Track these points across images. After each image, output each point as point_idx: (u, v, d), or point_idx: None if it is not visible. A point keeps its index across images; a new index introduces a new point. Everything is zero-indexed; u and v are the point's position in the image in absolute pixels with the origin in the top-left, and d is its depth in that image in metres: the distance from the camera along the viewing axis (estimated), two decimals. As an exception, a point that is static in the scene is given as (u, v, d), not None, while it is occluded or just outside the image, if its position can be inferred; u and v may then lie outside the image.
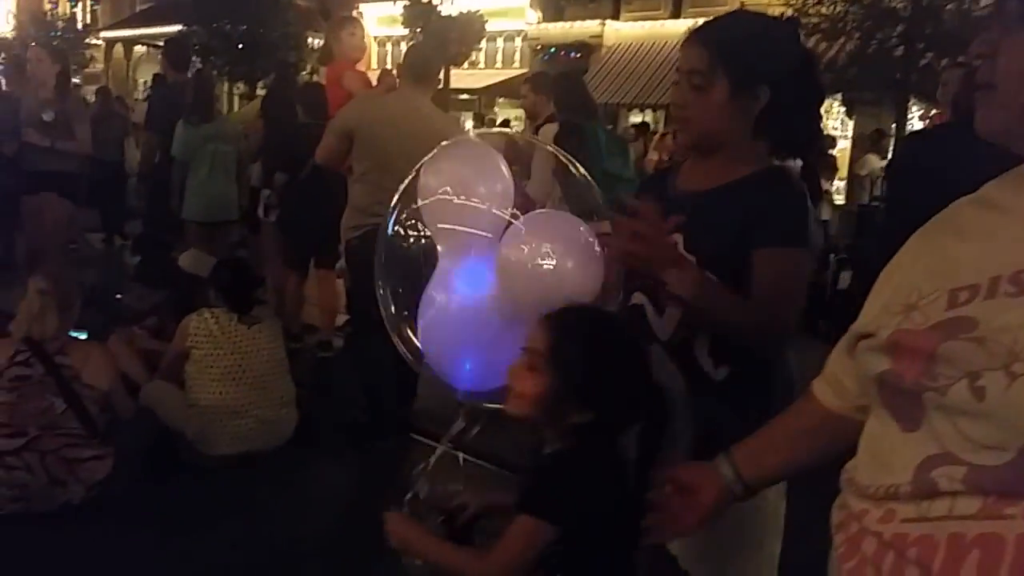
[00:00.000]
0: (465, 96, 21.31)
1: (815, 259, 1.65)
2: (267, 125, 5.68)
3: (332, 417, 4.23)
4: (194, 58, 17.76)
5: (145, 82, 20.81)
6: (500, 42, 23.00)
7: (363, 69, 5.70)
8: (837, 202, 11.81)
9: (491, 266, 1.54)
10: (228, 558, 2.88)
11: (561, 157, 1.69)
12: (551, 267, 1.48)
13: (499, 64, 22.44)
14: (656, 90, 17.50)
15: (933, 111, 4.84)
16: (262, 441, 3.68)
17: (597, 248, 1.52)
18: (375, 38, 23.89)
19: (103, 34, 26.79)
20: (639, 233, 1.45)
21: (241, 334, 3.68)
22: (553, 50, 20.79)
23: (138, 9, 26.53)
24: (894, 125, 13.63)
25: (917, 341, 0.92)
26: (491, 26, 20.45)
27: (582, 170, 1.65)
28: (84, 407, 3.17)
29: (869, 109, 15.82)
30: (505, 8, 21.46)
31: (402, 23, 20.41)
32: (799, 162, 1.77)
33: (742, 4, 11.78)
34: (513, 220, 1.55)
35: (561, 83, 4.75)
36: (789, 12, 11.45)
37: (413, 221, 1.62)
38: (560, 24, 21.19)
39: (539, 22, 21.81)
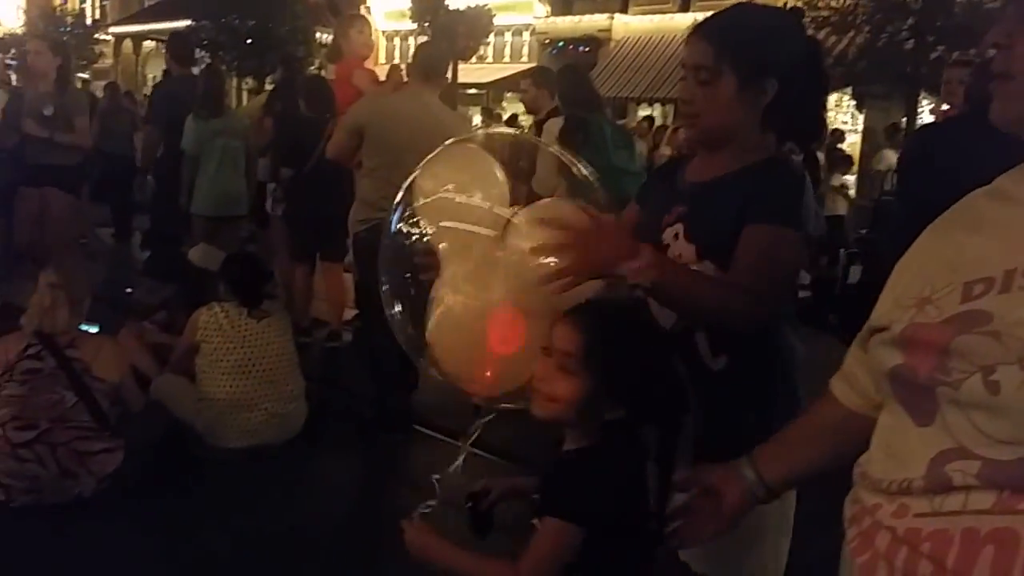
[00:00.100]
0: (473, 90, 21.30)
1: (808, 243, 1.60)
2: (274, 120, 5.69)
3: (340, 410, 4.24)
4: (203, 53, 17.90)
5: (154, 77, 20.83)
6: (508, 36, 22.98)
7: (371, 64, 5.71)
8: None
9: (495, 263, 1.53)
10: (237, 550, 2.89)
11: (564, 158, 1.68)
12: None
13: (507, 58, 22.44)
14: (665, 84, 17.46)
15: (944, 105, 4.76)
16: (272, 435, 3.69)
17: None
18: (383, 33, 23.91)
19: (112, 29, 26.85)
20: (570, 245, 1.39)
21: (251, 328, 3.69)
22: (561, 44, 20.76)
23: (147, 4, 26.56)
24: (904, 119, 13.56)
25: (930, 335, 0.91)
26: (499, 20, 20.43)
27: (584, 171, 1.64)
28: (95, 400, 3.19)
29: (879, 103, 15.74)
30: (513, 2, 21.44)
31: (410, 17, 20.41)
32: (800, 158, 1.76)
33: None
34: (513, 218, 1.53)
35: (566, 77, 4.71)
36: (799, 3, 11.38)
37: (416, 219, 1.61)
38: (568, 18, 21.15)
39: (547, 16, 21.78)
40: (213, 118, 5.58)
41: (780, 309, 1.59)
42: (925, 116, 13.64)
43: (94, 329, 3.70)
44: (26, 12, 28.21)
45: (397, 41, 24.73)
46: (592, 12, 20.70)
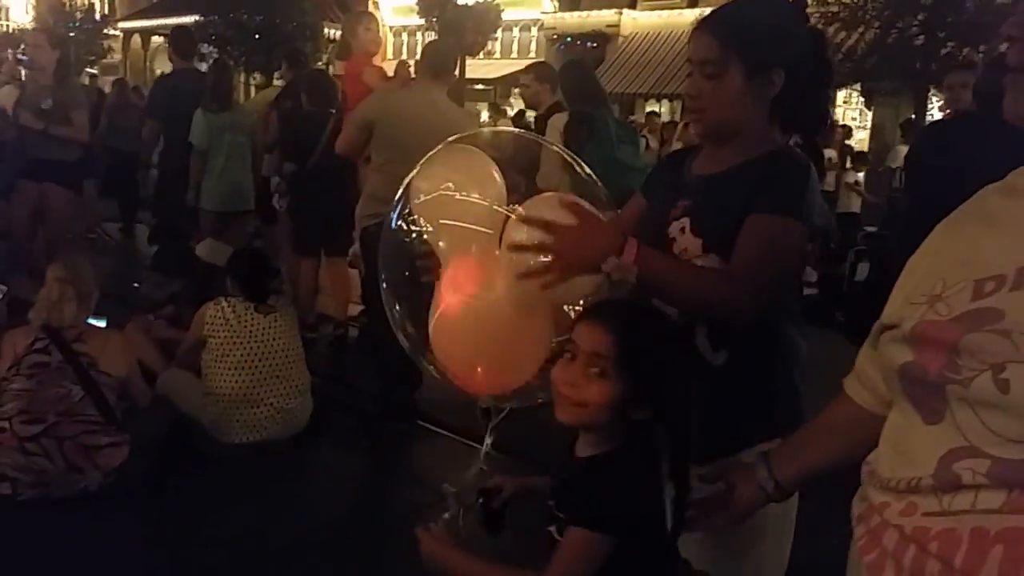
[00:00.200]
0: (481, 86, 21.28)
1: (812, 235, 1.58)
2: (279, 115, 5.69)
3: (346, 406, 4.25)
4: (211, 48, 17.91)
5: (163, 72, 20.89)
6: (516, 32, 22.94)
7: (379, 60, 5.72)
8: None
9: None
10: (243, 545, 2.90)
11: (567, 156, 1.67)
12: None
13: (515, 54, 22.38)
14: (673, 80, 17.40)
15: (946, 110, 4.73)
16: (278, 430, 3.70)
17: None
18: (391, 28, 23.91)
19: (121, 24, 26.91)
20: (550, 246, 1.38)
21: (257, 323, 3.69)
22: (569, 40, 20.71)
23: (156, 0, 26.63)
24: (913, 116, 13.48)
25: (940, 332, 0.90)
26: (507, 15, 20.39)
27: (587, 169, 1.64)
28: (101, 394, 3.19)
29: (888, 100, 15.66)
30: (521, -3, 21.40)
31: (417, 13, 20.38)
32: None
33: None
34: (512, 215, 1.53)
35: (571, 72, 4.68)
36: (809, -1, 11.31)
37: (415, 217, 1.61)
38: (576, 13, 21.10)
39: (555, 11, 21.73)
40: (222, 111, 5.58)
41: (780, 301, 1.58)
42: (935, 113, 13.57)
43: (101, 323, 3.71)
44: (35, 7, 28.29)
45: (405, 37, 24.73)
46: (600, 8, 20.64)
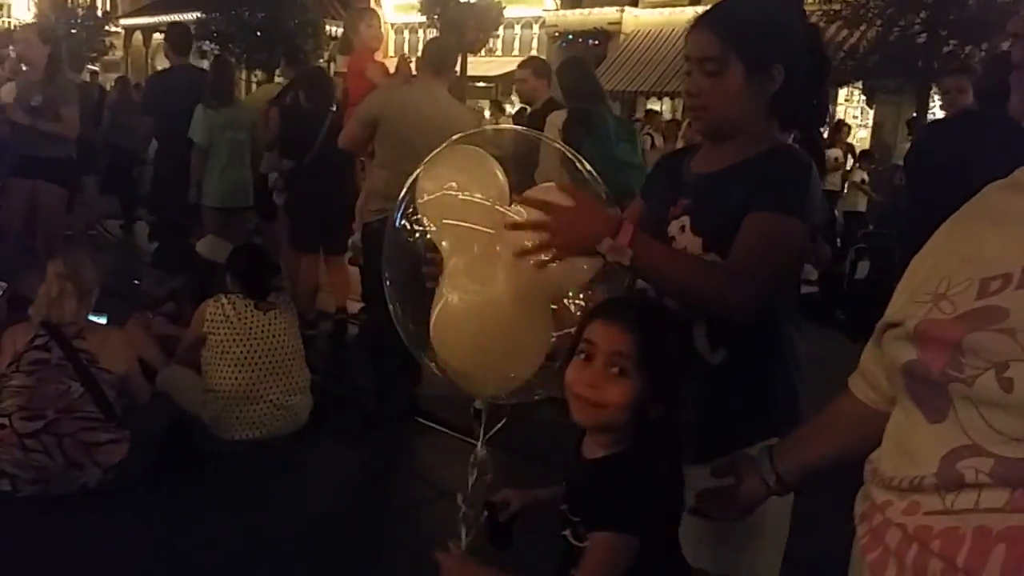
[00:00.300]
0: (482, 84, 21.27)
1: (811, 233, 1.57)
2: (280, 112, 5.69)
3: (345, 402, 4.25)
4: (212, 45, 17.90)
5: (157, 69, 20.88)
6: (517, 29, 22.93)
7: (380, 57, 5.72)
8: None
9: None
10: (242, 541, 2.90)
11: (567, 153, 1.66)
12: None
13: (516, 51, 22.33)
14: (675, 78, 17.37)
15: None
16: (278, 426, 3.70)
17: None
18: (392, 25, 23.90)
19: (123, 21, 26.92)
20: (547, 225, 1.39)
21: (257, 320, 3.69)
22: (571, 37, 20.68)
23: (157, -4, 26.64)
24: (915, 114, 13.47)
25: (944, 331, 0.90)
26: (508, 13, 20.38)
27: (587, 166, 1.63)
28: (101, 391, 3.19)
29: (890, 98, 15.64)
30: (523, -5, 21.38)
31: (419, 10, 20.38)
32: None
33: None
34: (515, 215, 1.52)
35: (570, 69, 4.67)
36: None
37: (419, 216, 1.60)
38: (578, 11, 21.07)
39: (557, 9, 21.70)
40: (223, 108, 5.57)
41: (777, 298, 1.57)
42: (936, 111, 13.55)
43: (102, 320, 3.72)
44: (37, 4, 28.26)
45: (407, 34, 24.71)
46: (602, 5, 20.62)
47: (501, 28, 21.00)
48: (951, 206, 1.04)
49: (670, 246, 1.59)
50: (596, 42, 20.38)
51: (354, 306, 5.49)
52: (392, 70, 5.47)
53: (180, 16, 18.01)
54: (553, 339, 1.56)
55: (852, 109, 18.26)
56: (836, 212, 9.87)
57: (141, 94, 6.73)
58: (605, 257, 1.40)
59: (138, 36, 26.14)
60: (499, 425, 1.58)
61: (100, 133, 8.61)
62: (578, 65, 4.79)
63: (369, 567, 2.90)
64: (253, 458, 3.55)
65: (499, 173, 1.56)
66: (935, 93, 13.46)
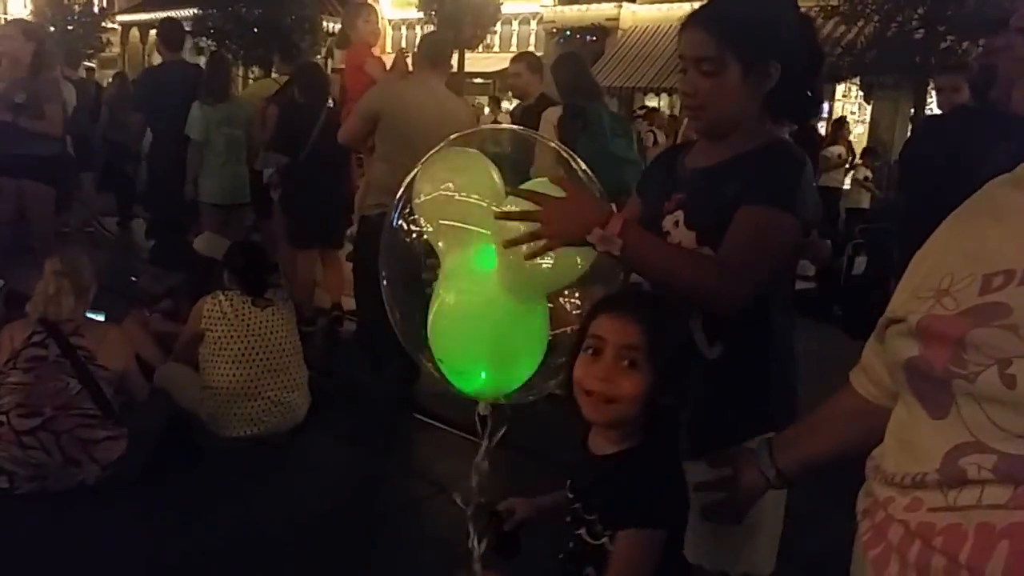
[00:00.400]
0: (480, 80, 21.25)
1: (804, 229, 1.57)
2: (279, 108, 5.68)
3: (343, 399, 4.24)
4: (209, 41, 17.84)
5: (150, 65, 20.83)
6: (515, 25, 22.91)
7: (377, 52, 5.72)
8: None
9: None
10: (239, 538, 2.89)
11: (563, 152, 1.66)
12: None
13: (514, 47, 22.31)
14: (673, 74, 17.34)
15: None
16: (275, 423, 3.69)
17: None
18: (390, 22, 23.86)
19: (119, 18, 26.85)
20: (537, 215, 1.39)
21: (254, 317, 3.69)
22: (568, 33, 20.67)
23: (154, -8, 26.57)
24: (912, 110, 13.48)
25: (946, 327, 0.89)
26: (506, 9, 20.35)
27: (583, 165, 1.63)
28: (99, 388, 3.19)
29: (888, 93, 15.65)
30: (520, -10, 21.35)
31: (416, 6, 20.34)
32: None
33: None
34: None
35: (565, 65, 4.65)
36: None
37: (416, 216, 1.60)
38: (576, 7, 21.05)
39: (554, 5, 21.67)
40: (219, 103, 5.56)
41: (771, 293, 1.57)
42: (934, 107, 13.55)
43: (99, 317, 3.70)
44: (33, 1, 28.16)
45: (404, 30, 24.68)
46: (599, 1, 20.61)
47: (499, 24, 20.96)
48: (946, 201, 1.04)
49: (661, 238, 1.59)
50: (594, 38, 20.37)
51: (350, 302, 5.48)
52: (389, 66, 5.47)
53: (176, 12, 17.96)
54: (551, 337, 1.56)
55: (849, 105, 18.26)
56: (840, 209, 9.86)
57: (134, 90, 6.68)
58: (596, 248, 1.40)
59: (135, 32, 26.06)
60: (502, 432, 1.58)
61: (98, 129, 8.59)
62: (574, 61, 4.78)
63: (367, 562, 2.90)
64: (251, 454, 3.55)
65: (494, 173, 1.56)
66: (932, 89, 13.48)
